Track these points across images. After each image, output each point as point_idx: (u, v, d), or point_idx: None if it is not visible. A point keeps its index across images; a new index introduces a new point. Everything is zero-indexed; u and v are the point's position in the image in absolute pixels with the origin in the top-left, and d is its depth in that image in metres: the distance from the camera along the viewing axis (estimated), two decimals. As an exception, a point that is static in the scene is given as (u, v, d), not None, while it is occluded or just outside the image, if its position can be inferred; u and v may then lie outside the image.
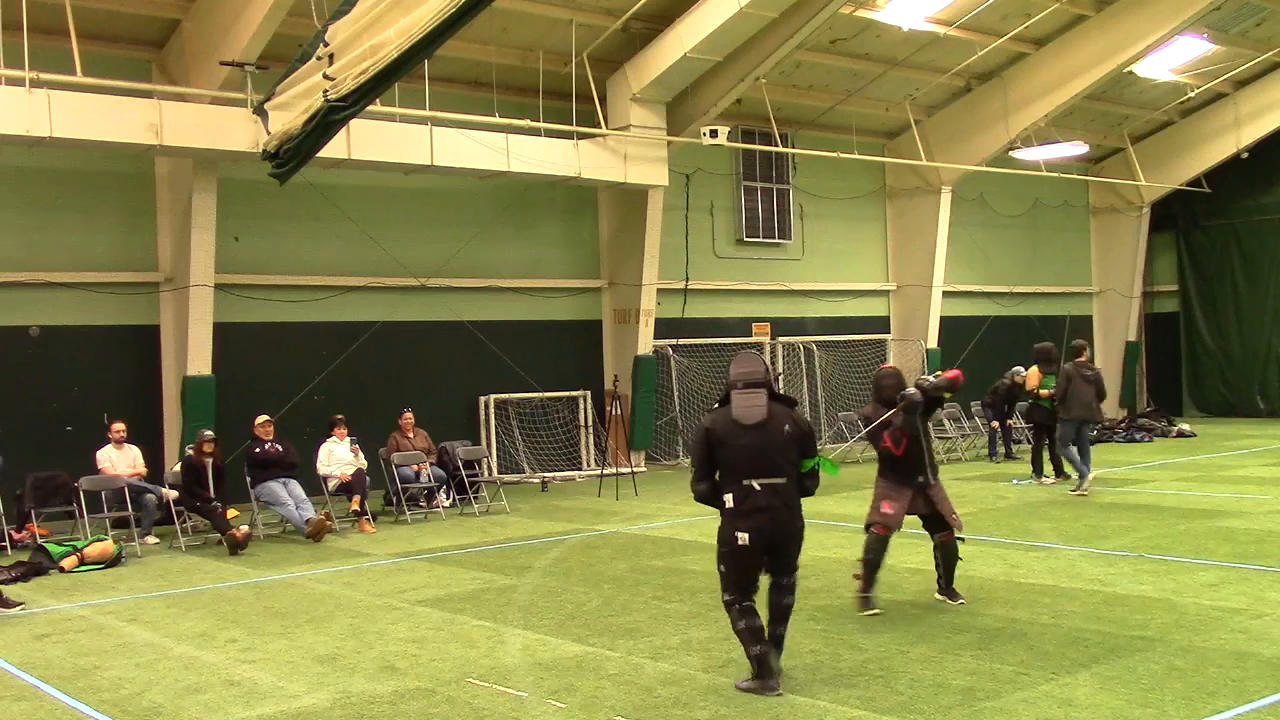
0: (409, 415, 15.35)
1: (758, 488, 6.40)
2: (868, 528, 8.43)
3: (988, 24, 19.48)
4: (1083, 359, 14.90)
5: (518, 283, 18.76)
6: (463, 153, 16.23)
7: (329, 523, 13.07)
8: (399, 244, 17.53)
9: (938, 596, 8.61)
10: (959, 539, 8.57)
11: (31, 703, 6.87)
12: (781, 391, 6.75)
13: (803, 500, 6.66)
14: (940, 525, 8.48)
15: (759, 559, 6.51)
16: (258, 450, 13.57)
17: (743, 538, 6.39)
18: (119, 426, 13.60)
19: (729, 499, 6.48)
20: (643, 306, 19.15)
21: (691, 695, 6.45)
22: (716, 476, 6.62)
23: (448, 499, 15.30)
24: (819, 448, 6.83)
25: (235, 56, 13.72)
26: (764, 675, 6.41)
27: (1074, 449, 14.48)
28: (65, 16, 13.27)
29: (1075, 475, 14.60)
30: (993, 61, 21.17)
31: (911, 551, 10.72)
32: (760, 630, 6.47)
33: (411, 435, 15.26)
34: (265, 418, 13.85)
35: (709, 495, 6.65)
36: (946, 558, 8.53)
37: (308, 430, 15.08)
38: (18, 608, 9.63)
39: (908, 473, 8.41)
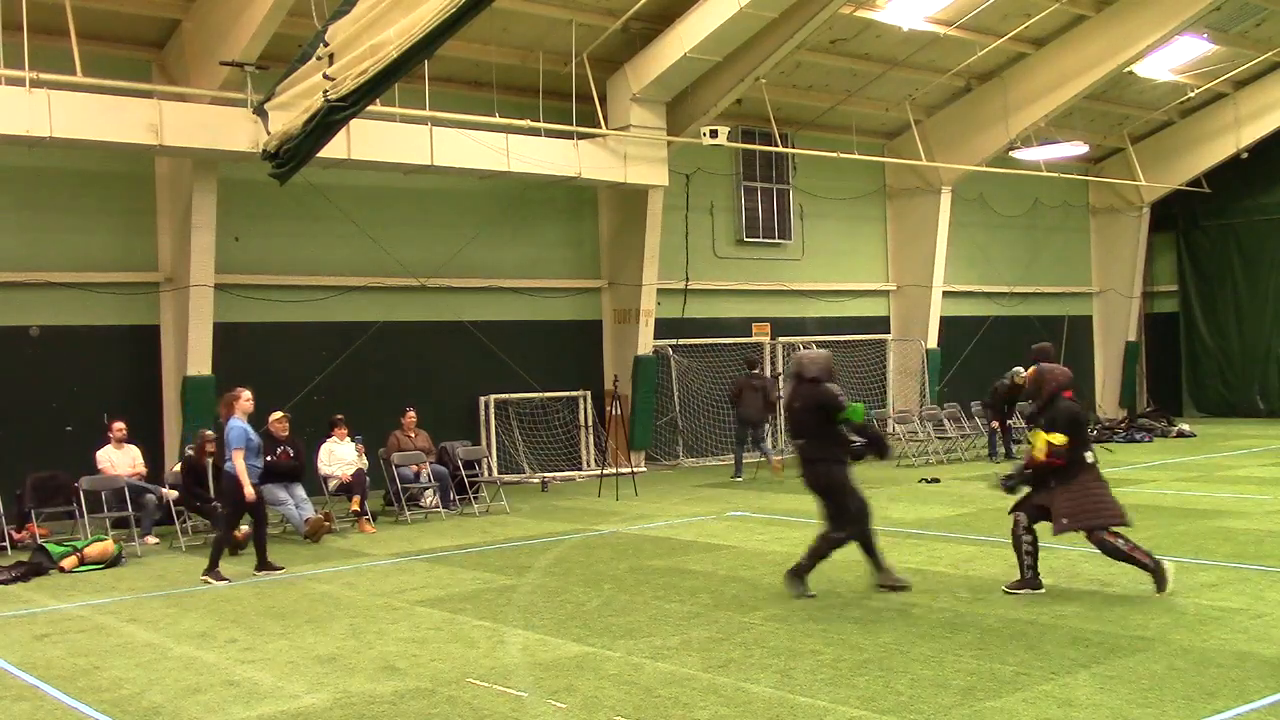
0: (411, 414, 15.30)
1: (793, 447, 8.82)
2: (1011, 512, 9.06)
3: (988, 24, 19.47)
4: (755, 371, 18.24)
5: (518, 283, 18.76)
6: (463, 153, 16.22)
7: (326, 523, 13.05)
8: (399, 244, 17.53)
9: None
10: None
11: (31, 703, 6.87)
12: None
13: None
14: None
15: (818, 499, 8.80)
16: (269, 458, 13.35)
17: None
18: (119, 425, 13.58)
19: None
20: (643, 306, 19.14)
21: (691, 695, 6.45)
22: None
23: (446, 504, 15.25)
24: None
25: (235, 56, 13.71)
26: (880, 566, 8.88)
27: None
28: (65, 16, 13.26)
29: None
30: (993, 61, 21.16)
31: (911, 551, 10.73)
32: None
33: (413, 435, 15.24)
34: (280, 414, 13.49)
35: None
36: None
37: (308, 430, 15.03)
38: (224, 583, 10.51)
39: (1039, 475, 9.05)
